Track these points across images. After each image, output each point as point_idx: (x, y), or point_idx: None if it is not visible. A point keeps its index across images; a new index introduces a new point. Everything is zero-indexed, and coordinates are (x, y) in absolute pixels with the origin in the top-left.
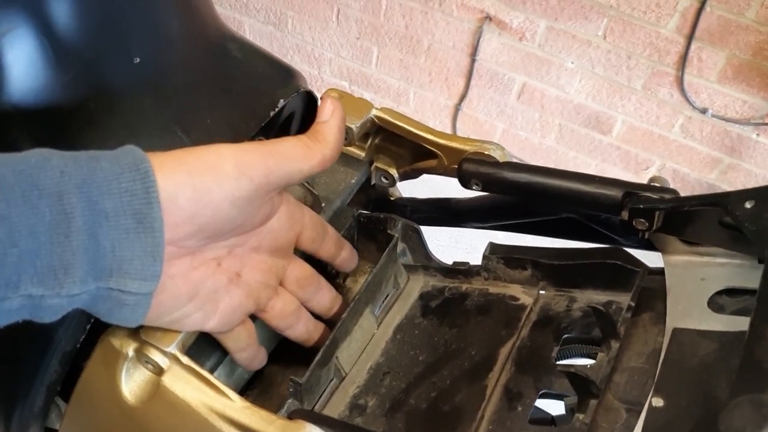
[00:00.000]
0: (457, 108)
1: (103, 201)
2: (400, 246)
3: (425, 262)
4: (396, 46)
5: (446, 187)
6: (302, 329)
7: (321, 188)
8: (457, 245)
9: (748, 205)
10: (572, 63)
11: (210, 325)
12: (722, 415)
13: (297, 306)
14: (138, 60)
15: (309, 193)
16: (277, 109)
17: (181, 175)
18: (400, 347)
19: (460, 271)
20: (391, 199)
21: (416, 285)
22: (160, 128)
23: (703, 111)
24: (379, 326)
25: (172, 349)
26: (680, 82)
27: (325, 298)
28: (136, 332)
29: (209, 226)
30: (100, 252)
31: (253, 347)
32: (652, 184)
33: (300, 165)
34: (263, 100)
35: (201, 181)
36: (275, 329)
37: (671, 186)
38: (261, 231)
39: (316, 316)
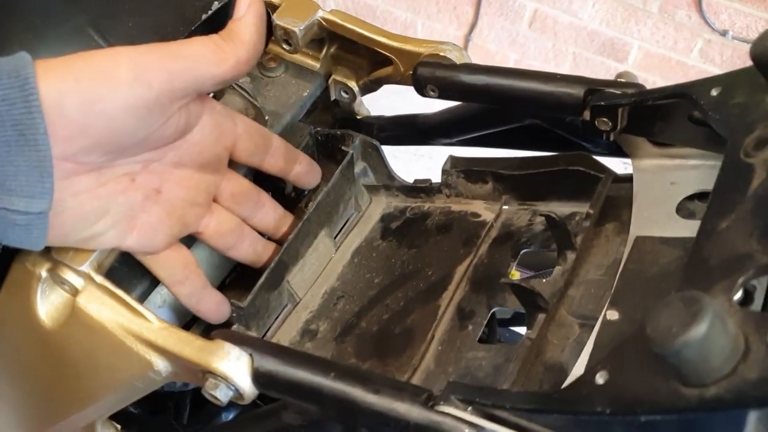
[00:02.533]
0: (467, 39)
1: None
2: (361, 165)
3: (387, 181)
4: None
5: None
6: (248, 249)
7: (270, 102)
8: None
9: (714, 92)
10: None
11: (128, 243)
12: (650, 316)
13: (236, 224)
14: None
15: (251, 105)
16: (210, 12)
17: (68, 82)
18: (356, 271)
19: (422, 189)
20: (358, 118)
21: (378, 207)
22: (72, 32)
23: (723, 33)
24: (337, 250)
25: (86, 268)
26: (698, 2)
27: (269, 215)
28: (49, 252)
29: (106, 139)
30: None
31: (195, 282)
32: (617, 80)
33: (210, 69)
34: (195, 1)
35: (90, 88)
36: (217, 250)
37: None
38: (180, 144)
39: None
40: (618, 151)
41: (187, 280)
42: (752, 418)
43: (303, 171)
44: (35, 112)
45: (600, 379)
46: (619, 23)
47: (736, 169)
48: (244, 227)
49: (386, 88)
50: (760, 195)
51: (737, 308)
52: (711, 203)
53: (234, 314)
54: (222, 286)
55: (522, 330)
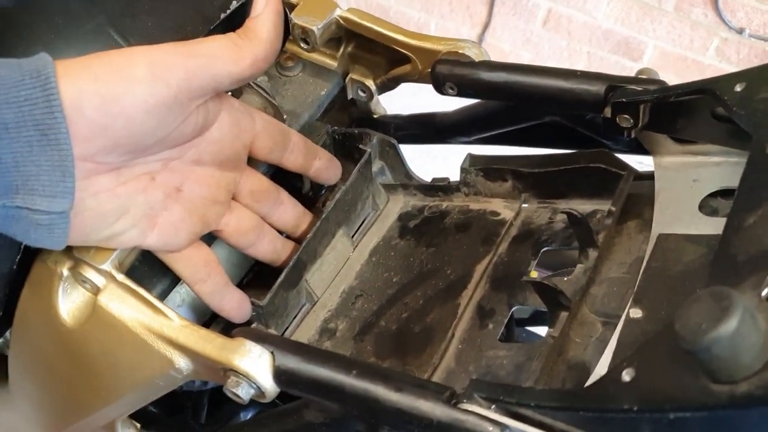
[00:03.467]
0: (481, 38)
1: (1, 111)
2: (378, 164)
3: (405, 180)
4: None
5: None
6: (267, 247)
7: (288, 101)
8: None
9: (738, 88)
10: None
11: (149, 242)
12: (679, 312)
13: (256, 222)
14: None
15: (269, 104)
16: (229, 11)
17: (86, 82)
18: (374, 269)
19: (440, 188)
20: (375, 117)
21: (396, 206)
22: (93, 32)
23: (740, 31)
24: (354, 249)
25: (107, 266)
26: (714, 0)
27: (288, 213)
28: (70, 251)
29: (125, 139)
30: (2, 167)
31: (217, 280)
32: (638, 76)
33: (228, 67)
34: (214, 0)
35: (108, 88)
36: (236, 248)
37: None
38: (200, 142)
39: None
40: (639, 149)
41: (209, 278)
42: None
43: (323, 167)
44: (56, 112)
45: (626, 376)
46: (633, 22)
47: (762, 164)
48: (263, 225)
49: (400, 91)
50: None
51: (767, 304)
52: (737, 199)
53: (253, 313)
54: (239, 286)
55: (539, 330)
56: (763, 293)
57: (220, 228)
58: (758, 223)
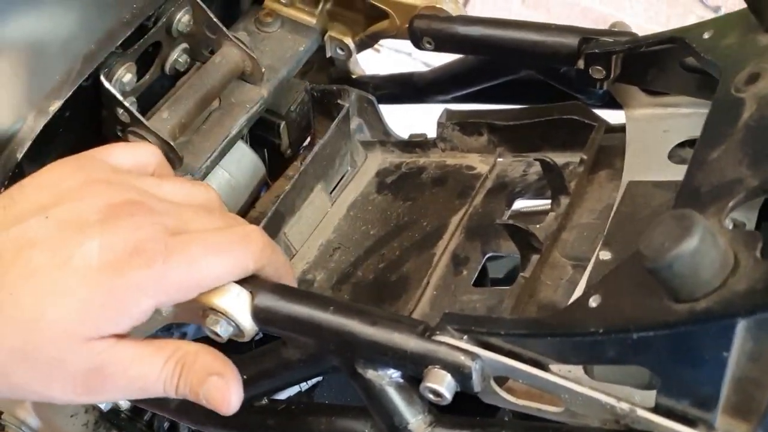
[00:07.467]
0: None
1: None
2: (357, 121)
3: (383, 137)
4: None
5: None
6: None
7: (266, 56)
8: None
9: (706, 35)
10: None
11: None
12: (643, 236)
13: None
14: None
15: (248, 57)
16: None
17: None
18: (352, 223)
19: (418, 144)
20: (353, 77)
21: (374, 162)
22: None
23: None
24: (333, 204)
25: None
26: None
27: None
28: None
29: None
30: None
31: None
32: (611, 29)
33: None
34: None
35: None
36: None
37: None
38: None
39: None
40: (611, 103)
41: None
42: (740, 328)
43: None
44: None
45: (593, 302)
46: None
47: (726, 104)
48: None
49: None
50: (750, 125)
51: (727, 229)
52: (702, 136)
53: None
54: None
55: None
56: (724, 220)
57: None
58: (721, 157)
